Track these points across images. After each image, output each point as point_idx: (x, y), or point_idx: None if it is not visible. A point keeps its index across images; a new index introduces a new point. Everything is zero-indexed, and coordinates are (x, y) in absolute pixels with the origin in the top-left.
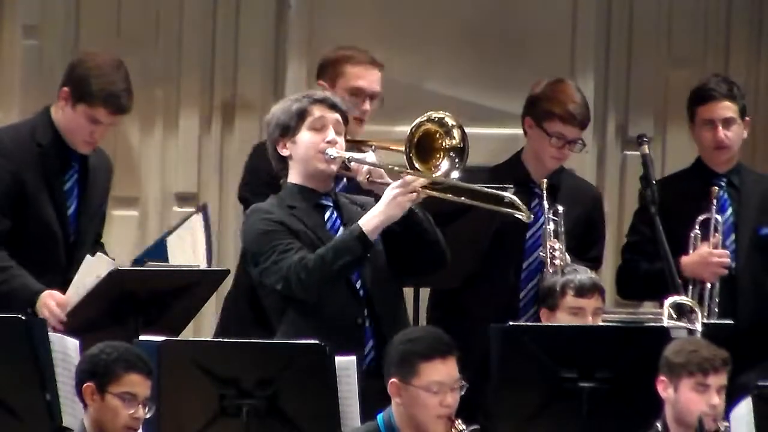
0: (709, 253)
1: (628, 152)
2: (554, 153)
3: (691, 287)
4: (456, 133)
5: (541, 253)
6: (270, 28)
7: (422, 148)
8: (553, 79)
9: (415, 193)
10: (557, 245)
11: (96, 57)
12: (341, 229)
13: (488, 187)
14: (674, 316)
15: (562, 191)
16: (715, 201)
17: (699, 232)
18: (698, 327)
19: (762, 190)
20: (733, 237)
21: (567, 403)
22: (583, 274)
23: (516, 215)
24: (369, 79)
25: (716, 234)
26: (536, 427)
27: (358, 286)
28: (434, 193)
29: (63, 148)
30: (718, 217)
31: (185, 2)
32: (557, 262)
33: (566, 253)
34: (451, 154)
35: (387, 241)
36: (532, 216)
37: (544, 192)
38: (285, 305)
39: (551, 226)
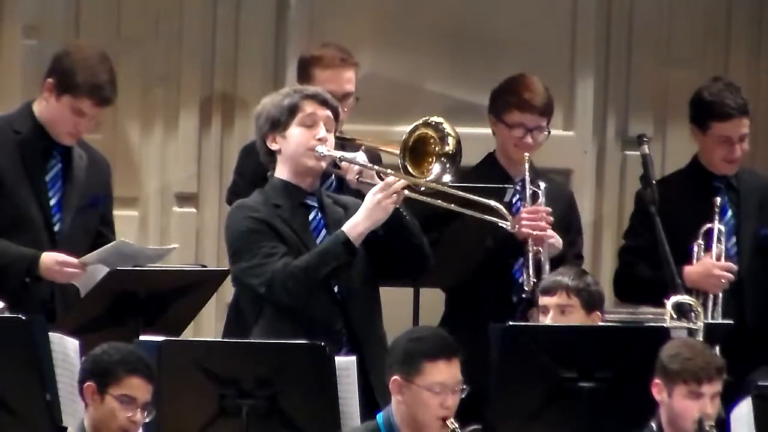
0: (712, 265)
1: (628, 152)
2: (518, 143)
3: (694, 297)
4: (450, 141)
5: (531, 249)
6: (270, 28)
7: (415, 151)
8: (514, 74)
9: (396, 195)
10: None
11: (81, 49)
12: (324, 231)
13: (486, 187)
14: (675, 316)
15: (541, 191)
16: (717, 210)
17: (702, 242)
18: (699, 326)
19: (759, 187)
20: (734, 240)
21: (567, 403)
22: (557, 275)
23: (500, 224)
24: (338, 81)
25: (719, 245)
26: (536, 427)
27: (336, 289)
28: (415, 196)
29: (43, 138)
30: (721, 227)
31: (185, 2)
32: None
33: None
34: (443, 159)
35: (369, 243)
36: (517, 226)
37: (527, 190)
38: (261, 304)
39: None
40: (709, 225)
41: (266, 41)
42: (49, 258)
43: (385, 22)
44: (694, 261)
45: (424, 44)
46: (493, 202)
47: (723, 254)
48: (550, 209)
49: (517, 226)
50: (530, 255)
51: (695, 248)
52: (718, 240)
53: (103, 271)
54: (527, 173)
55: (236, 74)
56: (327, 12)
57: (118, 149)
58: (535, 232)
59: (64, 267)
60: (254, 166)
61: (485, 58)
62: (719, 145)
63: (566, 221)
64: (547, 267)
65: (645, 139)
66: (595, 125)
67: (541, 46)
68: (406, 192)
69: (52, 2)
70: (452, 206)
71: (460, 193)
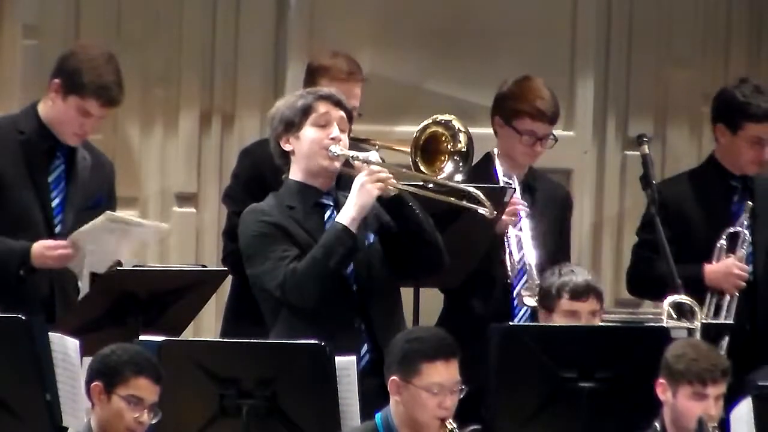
0: (734, 264)
1: (628, 152)
2: (526, 150)
3: (709, 296)
4: (462, 137)
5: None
6: (270, 28)
7: (427, 150)
8: (521, 77)
9: (381, 183)
10: (521, 234)
11: (88, 49)
12: None
13: (487, 187)
14: (674, 315)
15: (539, 192)
16: (748, 215)
17: (725, 243)
18: (697, 326)
19: None
20: (749, 241)
21: (567, 403)
22: (580, 276)
23: (480, 210)
24: (344, 96)
25: (743, 248)
26: (536, 427)
27: (354, 288)
28: (401, 186)
29: (47, 138)
30: (747, 231)
31: (185, 2)
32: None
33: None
34: (456, 157)
35: (386, 241)
36: (496, 212)
37: (517, 188)
38: (279, 305)
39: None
40: (737, 228)
41: (266, 41)
42: (38, 246)
43: (385, 23)
44: (714, 261)
45: (424, 44)
46: (471, 188)
47: (744, 258)
48: (523, 202)
49: (495, 212)
50: (512, 240)
51: (717, 248)
52: (742, 245)
53: (91, 252)
54: (514, 176)
55: (236, 74)
56: (327, 12)
57: (118, 149)
58: (512, 218)
59: (53, 251)
60: (250, 169)
61: (485, 58)
62: (750, 145)
63: (560, 224)
64: (531, 250)
65: (645, 139)
66: (595, 125)
67: (541, 46)
68: (393, 183)
69: (52, 2)
70: (431, 194)
71: (440, 180)
